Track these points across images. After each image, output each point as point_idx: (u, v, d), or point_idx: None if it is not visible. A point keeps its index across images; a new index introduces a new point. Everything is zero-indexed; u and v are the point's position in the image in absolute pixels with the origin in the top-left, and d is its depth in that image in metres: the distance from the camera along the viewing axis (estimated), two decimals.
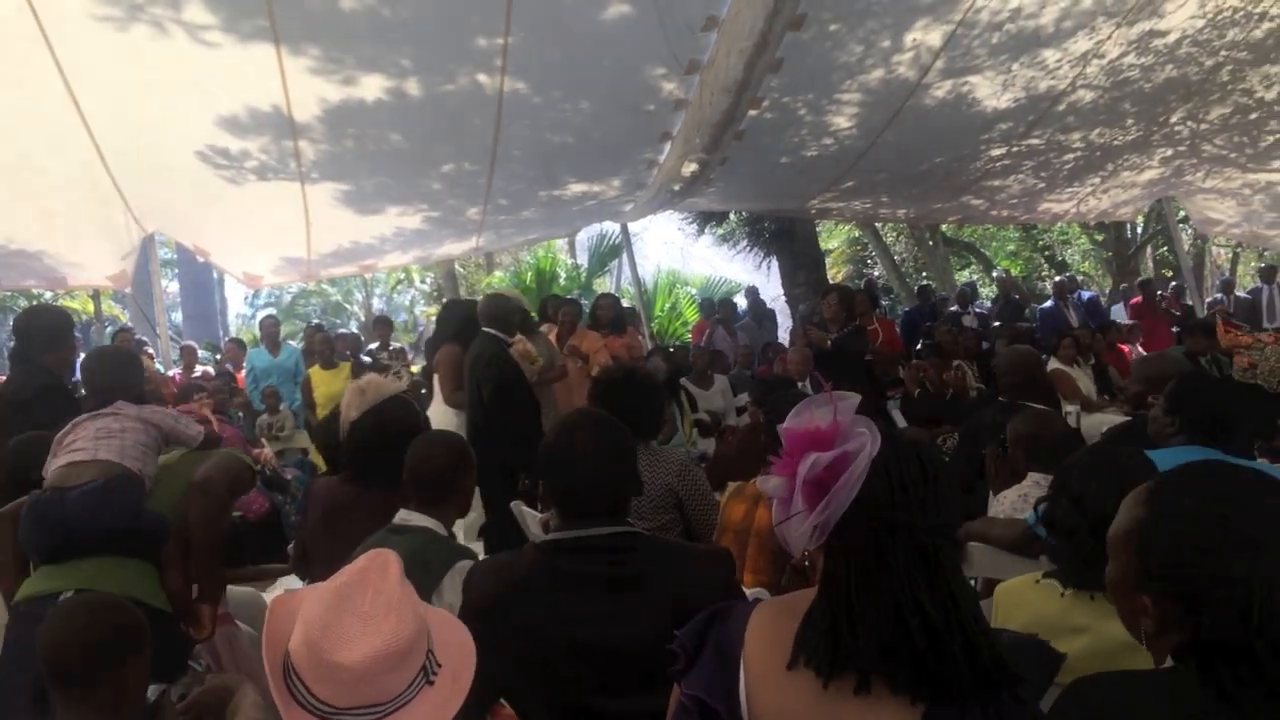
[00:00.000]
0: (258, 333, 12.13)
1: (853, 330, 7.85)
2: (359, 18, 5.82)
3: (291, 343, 11.23)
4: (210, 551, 3.15)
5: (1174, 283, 15.05)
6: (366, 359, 10.11)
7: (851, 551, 1.45)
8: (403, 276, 23.64)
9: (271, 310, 18.86)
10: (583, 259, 19.05)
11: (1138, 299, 13.11)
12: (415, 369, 10.07)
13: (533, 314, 11.10)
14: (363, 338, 13.24)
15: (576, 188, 9.18)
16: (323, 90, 6.40)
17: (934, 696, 1.38)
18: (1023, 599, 2.32)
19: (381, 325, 11.45)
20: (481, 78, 6.58)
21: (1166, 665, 1.41)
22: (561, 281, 16.53)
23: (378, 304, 25.46)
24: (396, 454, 2.90)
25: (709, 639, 1.58)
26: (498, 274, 20.13)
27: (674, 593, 2.06)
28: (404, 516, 2.78)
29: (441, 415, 6.13)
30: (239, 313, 24.51)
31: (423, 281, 24.33)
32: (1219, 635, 1.31)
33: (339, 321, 23.03)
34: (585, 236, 18.14)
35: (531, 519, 4.20)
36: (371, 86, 6.45)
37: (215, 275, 17.78)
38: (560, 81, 6.96)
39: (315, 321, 13.22)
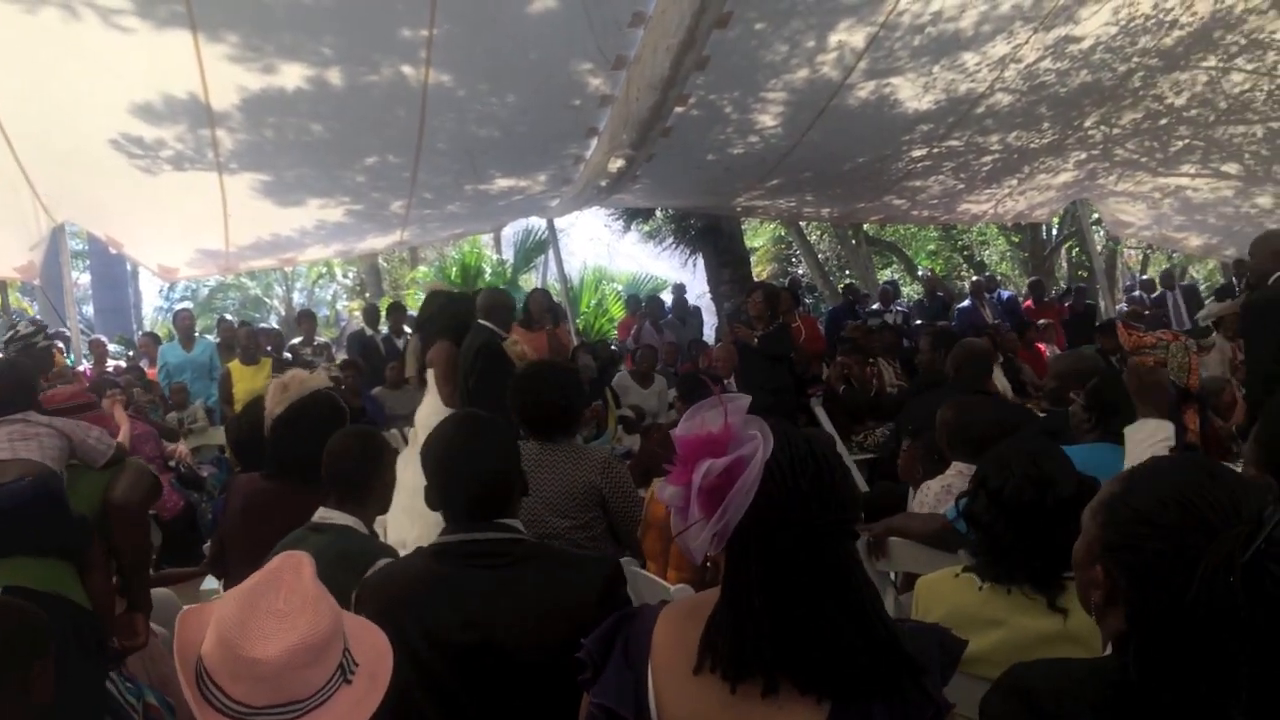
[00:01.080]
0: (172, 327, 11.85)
1: (778, 328, 7.92)
2: (279, 4, 5.71)
3: (207, 337, 10.98)
4: (142, 570, 3.18)
5: (1078, 285, 15.44)
6: (288, 355, 9.95)
7: (751, 553, 1.44)
8: (324, 270, 23.29)
9: (188, 304, 18.40)
10: (508, 254, 18.95)
11: (1029, 301, 13.45)
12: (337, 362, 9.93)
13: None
14: (284, 333, 13.00)
15: (502, 182, 9.12)
16: (241, 78, 6.26)
17: (839, 694, 1.39)
18: (942, 592, 2.36)
19: (305, 320, 11.25)
20: (406, 69, 6.49)
21: (1105, 653, 1.45)
22: (487, 277, 16.42)
23: (299, 298, 25.01)
24: (320, 450, 2.85)
25: (616, 645, 1.57)
26: (422, 269, 19.92)
27: (552, 598, 2.07)
28: (323, 514, 2.73)
29: (438, 415, 5.85)
30: (157, 306, 23.89)
31: (345, 276, 24.01)
32: (1157, 613, 1.34)
33: (258, 316, 22.56)
34: (511, 232, 18.05)
35: (393, 523, 4.18)
36: (292, 75, 6.32)
37: (129, 268, 17.27)
38: (486, 75, 6.90)
39: (227, 316, 12.94)
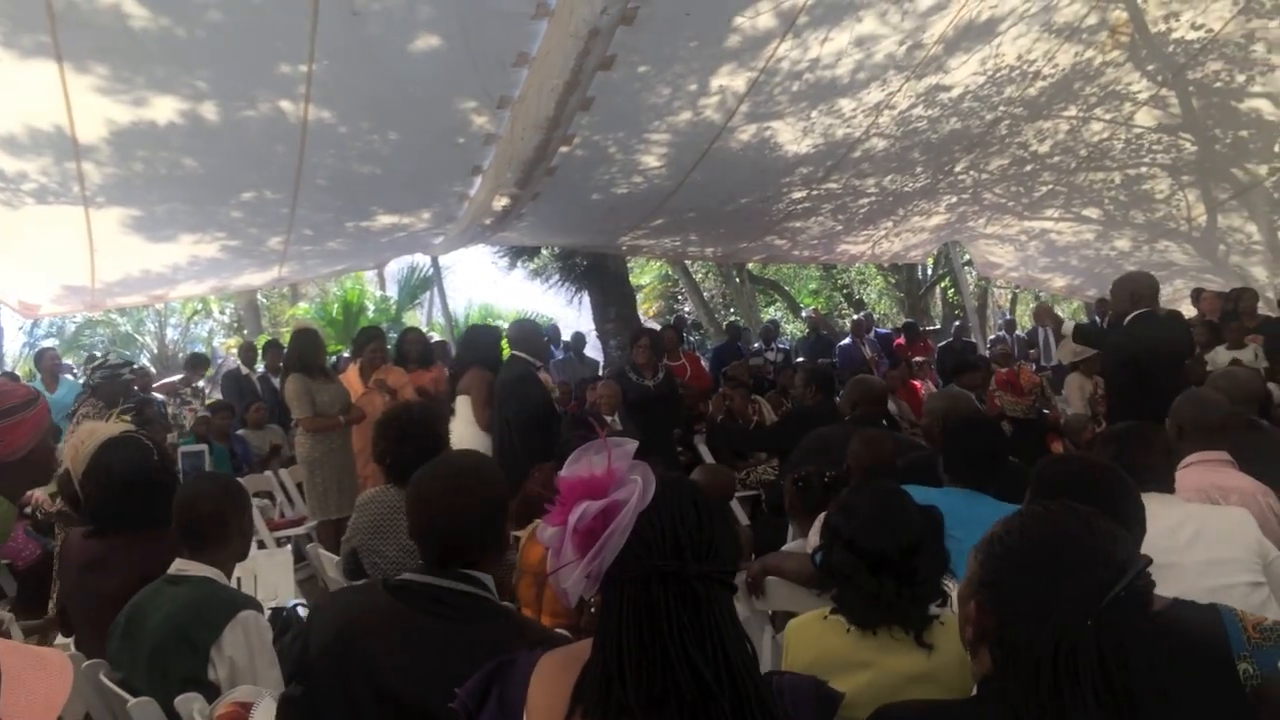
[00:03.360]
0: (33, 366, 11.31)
1: (666, 375, 7.97)
2: (150, 37, 5.53)
3: (69, 377, 10.50)
4: None
5: (959, 324, 15.95)
6: (159, 395, 9.60)
7: (623, 600, 1.44)
8: (200, 307, 22.59)
9: (53, 342, 17.63)
10: (393, 291, 18.70)
11: (900, 340, 13.86)
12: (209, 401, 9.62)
13: (339, 347, 10.84)
14: (154, 370, 12.54)
15: (385, 219, 8.99)
16: (110, 111, 6.04)
17: None
18: (810, 635, 2.37)
19: (196, 365, 10.84)
20: (284, 104, 6.36)
21: (971, 695, 1.48)
22: (370, 314, 16.18)
23: (172, 334, 24.24)
24: (133, 495, 2.80)
25: (492, 693, 1.55)
26: (303, 305, 19.50)
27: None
28: (180, 566, 2.63)
29: (471, 438, 6.04)
30: (25, 343, 22.83)
31: (222, 312, 23.32)
32: (1017, 653, 1.38)
33: (128, 354, 21.73)
34: (395, 269, 17.84)
35: (326, 561, 4.06)
36: (164, 109, 6.13)
37: None
38: (367, 111, 6.81)
39: (96, 354, 12.41)
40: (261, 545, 6.53)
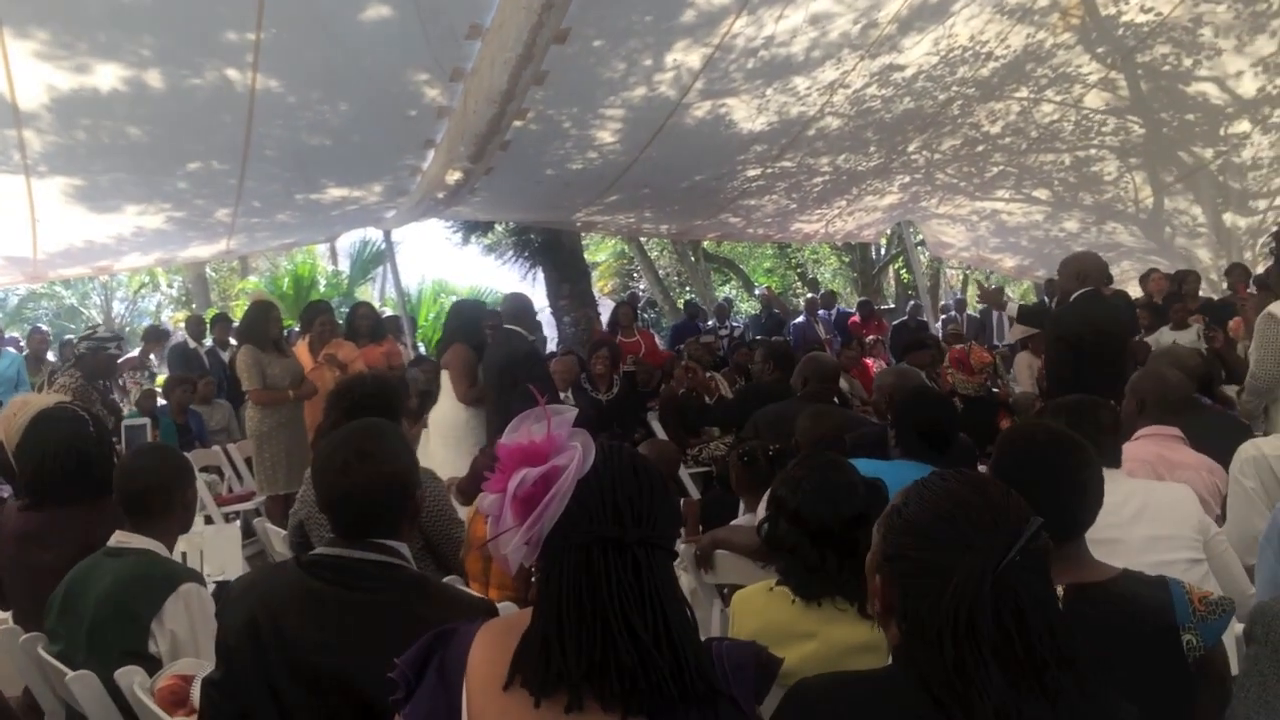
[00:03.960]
0: None
1: (622, 386, 7.99)
2: (94, 1, 5.42)
3: (10, 350, 10.29)
4: None
5: (915, 304, 16.07)
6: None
7: (563, 567, 1.44)
8: (147, 280, 22.23)
9: None
10: (345, 266, 18.50)
11: (855, 318, 13.98)
12: (161, 380, 9.47)
13: (290, 322, 10.71)
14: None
15: (335, 192, 8.88)
16: (51, 77, 5.89)
17: (644, 711, 1.39)
18: (755, 606, 2.39)
19: (154, 339, 10.66)
20: (231, 73, 6.25)
21: (886, 664, 1.50)
22: (321, 288, 16.01)
23: (119, 308, 23.83)
24: (67, 467, 2.77)
25: (431, 665, 1.54)
26: (252, 279, 19.26)
27: (419, 633, 1.86)
28: (121, 538, 2.59)
29: (454, 413, 6.06)
30: None
31: (170, 286, 22.96)
32: (919, 624, 1.39)
33: (73, 327, 21.34)
34: (347, 243, 17.66)
35: (274, 535, 4.02)
36: (108, 76, 6.00)
37: None
38: (317, 82, 6.71)
39: (41, 326, 12.20)
40: (209, 520, 6.47)
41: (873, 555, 1.53)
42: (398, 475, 2.10)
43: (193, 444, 7.69)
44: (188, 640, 2.47)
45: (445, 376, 6.24)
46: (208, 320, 11.27)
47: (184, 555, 4.09)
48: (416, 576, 2.09)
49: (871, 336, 12.04)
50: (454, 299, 17.61)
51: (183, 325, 11.90)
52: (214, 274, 21.50)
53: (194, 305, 20.08)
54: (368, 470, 2.04)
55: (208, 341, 10.35)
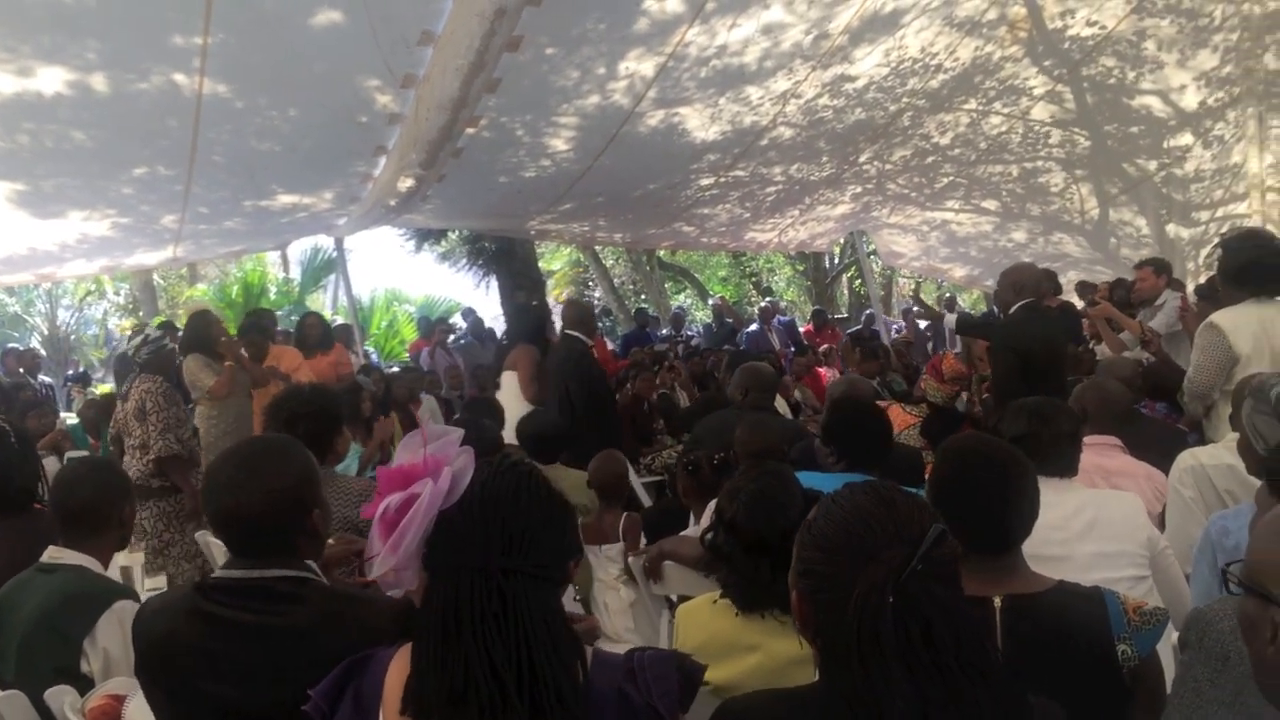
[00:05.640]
0: None
1: None
2: (37, 3, 5.31)
3: None
4: None
5: (869, 313, 16.19)
6: (47, 379, 9.26)
7: (433, 594, 1.43)
8: (94, 287, 21.84)
9: None
10: (296, 274, 18.31)
11: (808, 327, 14.06)
12: (105, 389, 9.30)
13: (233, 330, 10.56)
14: (44, 353, 12.08)
15: (285, 199, 8.78)
16: None
17: None
18: (700, 618, 2.39)
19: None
20: (178, 77, 6.15)
21: (813, 680, 1.49)
22: (272, 296, 15.83)
23: (64, 316, 23.38)
24: None
25: (347, 693, 1.51)
26: (201, 287, 18.97)
27: (344, 650, 1.68)
28: (54, 554, 2.52)
29: (513, 413, 6.03)
30: None
31: (116, 293, 22.58)
32: (829, 638, 1.40)
33: (17, 335, 20.94)
34: (299, 250, 17.47)
35: (217, 549, 3.95)
36: (52, 79, 5.88)
37: None
38: (266, 87, 6.63)
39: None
40: None
41: (790, 571, 1.52)
42: (288, 493, 1.96)
43: None
44: (121, 659, 2.41)
45: (507, 377, 6.40)
46: (154, 327, 11.07)
47: (125, 570, 4.02)
48: (325, 595, 1.95)
49: (825, 345, 12.12)
50: (408, 307, 17.54)
51: (129, 333, 11.70)
52: (162, 281, 21.17)
53: (141, 313, 19.75)
54: (255, 487, 1.93)
55: None
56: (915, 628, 1.32)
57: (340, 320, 12.11)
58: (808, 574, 1.46)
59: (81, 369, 12.00)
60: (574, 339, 6.38)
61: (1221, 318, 4.46)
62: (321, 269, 16.93)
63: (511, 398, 6.30)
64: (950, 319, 7.22)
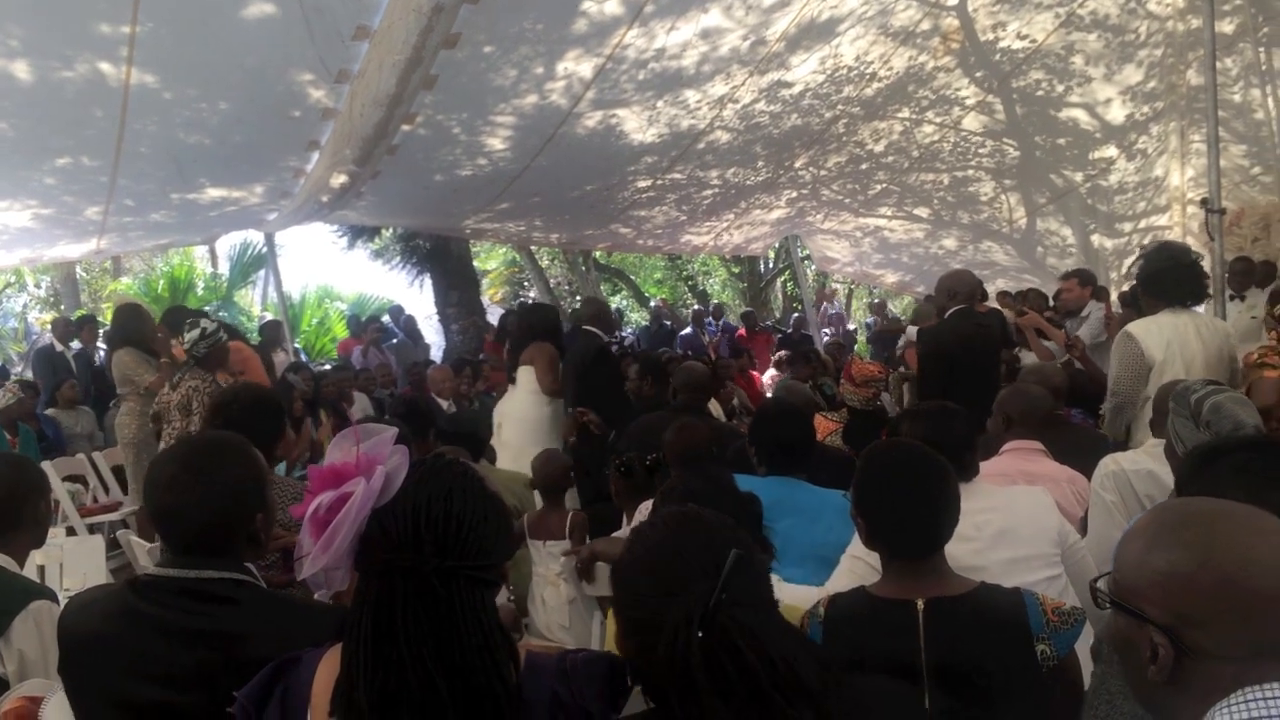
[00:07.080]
0: None
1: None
2: None
3: None
4: None
5: (799, 316, 16.35)
6: None
7: (365, 593, 1.42)
8: (12, 279, 21.19)
9: None
10: (225, 268, 17.96)
11: (742, 331, 14.17)
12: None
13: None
14: None
15: (214, 192, 8.61)
16: None
17: None
18: None
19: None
20: (104, 66, 6.01)
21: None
22: (199, 292, 15.51)
23: None
24: None
25: (274, 694, 1.49)
26: (125, 280, 18.52)
27: (275, 656, 1.63)
28: None
29: (533, 406, 6.22)
30: None
31: (37, 285, 21.93)
32: (645, 677, 1.40)
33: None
34: (228, 245, 17.13)
35: (139, 549, 3.87)
36: None
37: None
38: (196, 79, 6.49)
39: None
40: (71, 532, 6.19)
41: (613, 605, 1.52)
42: (231, 494, 1.93)
43: (50, 452, 7.37)
44: (37, 660, 2.34)
45: (523, 372, 6.37)
46: (75, 321, 10.80)
47: (42, 569, 3.90)
48: (261, 599, 1.91)
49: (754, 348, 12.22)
50: (339, 305, 17.29)
51: (49, 327, 11.40)
52: (85, 274, 20.60)
53: (63, 306, 19.18)
54: (197, 486, 1.89)
55: (75, 344, 9.91)
56: (726, 658, 1.30)
57: (270, 317, 11.90)
58: (619, 616, 1.45)
59: (0, 363, 11.60)
60: (592, 334, 6.40)
61: (1135, 327, 4.58)
62: (251, 264, 16.59)
63: (525, 392, 6.31)
64: (911, 330, 7.30)
